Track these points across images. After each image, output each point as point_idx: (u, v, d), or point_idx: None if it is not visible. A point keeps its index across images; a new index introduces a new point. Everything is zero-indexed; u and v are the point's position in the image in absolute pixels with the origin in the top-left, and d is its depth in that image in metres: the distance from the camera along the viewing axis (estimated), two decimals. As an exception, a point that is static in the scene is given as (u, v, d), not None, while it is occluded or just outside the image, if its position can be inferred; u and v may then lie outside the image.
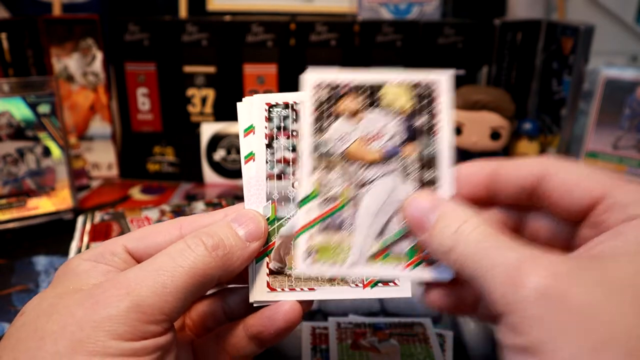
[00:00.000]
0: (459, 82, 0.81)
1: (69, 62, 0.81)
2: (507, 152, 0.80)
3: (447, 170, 0.30)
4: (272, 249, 0.31)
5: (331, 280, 0.31)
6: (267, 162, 0.32)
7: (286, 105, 0.32)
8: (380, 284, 0.31)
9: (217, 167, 0.83)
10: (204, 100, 0.84)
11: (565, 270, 0.21)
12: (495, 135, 0.74)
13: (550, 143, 0.79)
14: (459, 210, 0.27)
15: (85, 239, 0.59)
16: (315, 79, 0.31)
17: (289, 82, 0.82)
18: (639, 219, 0.23)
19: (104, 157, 0.85)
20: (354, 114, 0.31)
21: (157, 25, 0.81)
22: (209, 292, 0.35)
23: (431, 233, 0.27)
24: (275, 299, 0.31)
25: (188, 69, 0.82)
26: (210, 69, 0.82)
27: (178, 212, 0.65)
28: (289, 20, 0.81)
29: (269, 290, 0.31)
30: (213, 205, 0.67)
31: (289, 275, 0.31)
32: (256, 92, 0.83)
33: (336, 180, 0.31)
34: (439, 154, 0.30)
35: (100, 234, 0.60)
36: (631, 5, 0.91)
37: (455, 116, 0.75)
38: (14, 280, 0.56)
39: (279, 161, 0.32)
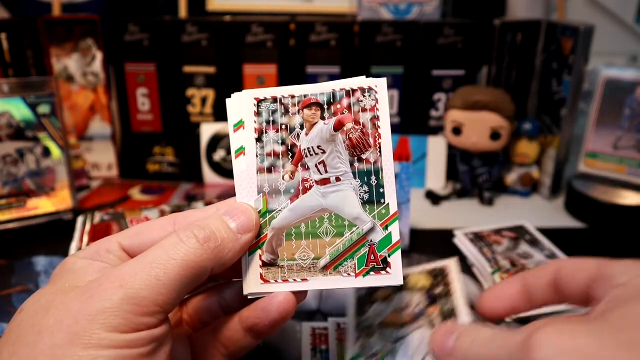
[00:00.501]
0: (459, 83, 0.81)
1: (69, 63, 0.81)
2: (507, 152, 0.80)
3: (462, 304, 0.36)
4: (265, 242, 0.32)
5: (324, 271, 0.31)
6: (257, 156, 0.32)
7: (274, 100, 0.33)
8: (372, 273, 0.31)
9: (217, 168, 0.83)
10: (204, 101, 0.84)
11: (573, 328, 0.23)
12: (495, 135, 0.74)
13: (551, 143, 0.79)
14: (474, 326, 0.29)
15: (85, 239, 0.59)
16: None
17: (289, 82, 0.82)
18: (623, 285, 0.25)
19: (103, 157, 0.85)
20: None
21: (157, 25, 0.81)
22: (205, 287, 0.36)
23: (453, 351, 0.29)
24: (268, 290, 0.31)
25: (188, 69, 0.82)
26: (210, 70, 0.82)
27: (178, 212, 0.65)
28: (289, 20, 0.81)
29: (262, 282, 0.31)
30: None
31: (282, 267, 0.31)
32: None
33: (376, 342, 0.37)
34: (457, 307, 0.37)
35: (100, 234, 0.60)
36: (631, 6, 0.91)
37: (455, 116, 0.75)
38: (14, 281, 0.56)
39: (269, 155, 0.32)
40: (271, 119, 0.33)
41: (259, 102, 0.33)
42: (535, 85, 0.83)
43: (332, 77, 0.81)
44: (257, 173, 0.32)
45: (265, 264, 0.31)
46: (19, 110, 0.65)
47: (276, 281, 0.31)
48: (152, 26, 0.81)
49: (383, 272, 0.31)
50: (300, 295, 0.31)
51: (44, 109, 0.66)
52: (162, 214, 0.64)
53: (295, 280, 0.31)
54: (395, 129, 0.84)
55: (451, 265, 0.42)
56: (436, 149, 0.82)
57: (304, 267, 0.31)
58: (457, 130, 0.76)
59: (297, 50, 0.81)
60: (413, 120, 0.84)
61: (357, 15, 0.85)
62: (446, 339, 0.29)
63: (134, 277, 0.26)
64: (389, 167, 0.32)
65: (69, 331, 0.24)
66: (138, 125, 0.85)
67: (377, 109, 0.32)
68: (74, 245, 0.58)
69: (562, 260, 0.32)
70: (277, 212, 0.32)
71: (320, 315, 0.50)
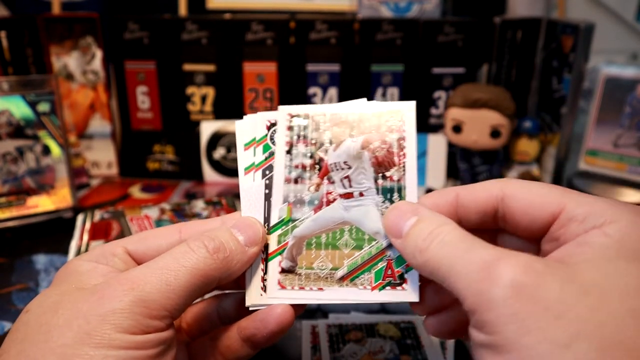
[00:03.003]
0: (459, 80, 0.81)
1: (68, 61, 0.81)
2: (507, 150, 0.80)
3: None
4: (286, 248, 0.32)
5: (340, 281, 0.31)
6: (285, 167, 0.34)
7: (306, 116, 0.35)
8: (388, 287, 0.31)
9: (217, 166, 0.83)
10: (203, 99, 0.84)
11: (539, 268, 0.22)
12: (495, 133, 0.74)
13: (551, 141, 0.79)
14: (435, 215, 0.28)
15: (85, 237, 0.59)
16: None
17: (288, 81, 0.82)
18: (596, 229, 0.24)
19: (103, 155, 0.85)
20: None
21: (157, 23, 0.81)
22: (203, 297, 0.36)
23: (406, 237, 0.28)
24: (285, 296, 0.31)
25: (188, 67, 0.82)
26: (210, 67, 0.82)
27: (178, 210, 0.65)
28: (289, 18, 0.81)
29: (280, 287, 0.32)
30: (213, 204, 0.67)
31: (299, 274, 0.32)
32: (255, 90, 0.83)
33: None
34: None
35: (100, 232, 0.60)
36: (631, 3, 0.90)
37: (455, 114, 0.75)
38: (13, 279, 0.56)
39: (296, 167, 0.34)
40: (302, 133, 0.34)
41: (292, 117, 0.35)
42: (536, 83, 0.83)
43: (332, 75, 0.81)
44: (284, 183, 0.33)
45: (284, 270, 0.32)
46: (18, 108, 0.65)
47: (293, 288, 0.32)
48: (152, 24, 0.81)
49: (399, 288, 0.31)
50: (299, 308, 0.32)
51: (43, 107, 0.66)
52: (162, 212, 0.64)
53: (311, 288, 0.32)
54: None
55: (417, 320, 0.46)
56: (436, 146, 0.82)
57: (321, 277, 0.32)
58: (457, 128, 0.76)
59: (297, 48, 0.81)
60: (413, 118, 0.84)
61: (357, 13, 0.85)
62: (402, 218, 0.28)
63: (145, 281, 0.27)
64: (411, 186, 0.32)
65: (79, 330, 0.24)
66: (138, 123, 0.85)
67: (404, 130, 0.33)
68: (73, 244, 0.58)
69: (508, 182, 0.29)
70: (299, 221, 0.33)
71: (320, 313, 0.50)
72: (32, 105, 0.65)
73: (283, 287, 0.32)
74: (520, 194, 0.28)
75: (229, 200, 0.69)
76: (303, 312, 0.50)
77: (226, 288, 0.35)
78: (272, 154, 0.34)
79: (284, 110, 0.35)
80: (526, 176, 0.79)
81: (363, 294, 0.31)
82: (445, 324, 0.31)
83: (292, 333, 0.46)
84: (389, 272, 0.31)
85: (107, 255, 0.30)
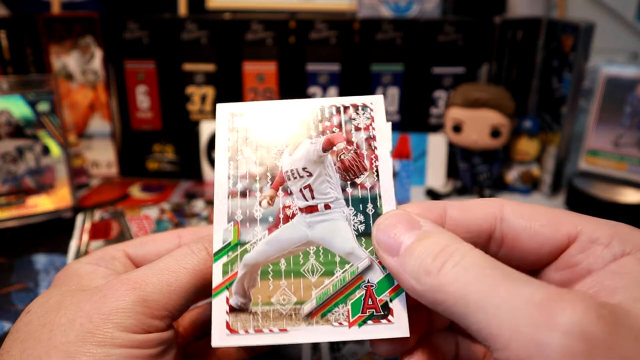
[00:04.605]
0: (459, 80, 0.81)
1: (68, 60, 0.81)
2: (507, 150, 0.80)
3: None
4: (235, 280, 0.26)
5: (308, 319, 0.25)
6: (229, 178, 0.28)
7: (253, 115, 0.29)
8: (370, 321, 0.25)
9: (216, 166, 0.82)
10: (203, 98, 0.84)
11: (605, 314, 0.18)
12: (495, 133, 0.74)
13: (551, 141, 0.79)
14: (441, 230, 0.23)
15: (85, 237, 0.59)
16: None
17: (289, 80, 0.82)
18: (629, 256, 0.21)
19: (103, 155, 0.85)
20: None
21: (157, 23, 0.81)
22: (199, 303, 0.37)
23: (407, 254, 0.23)
24: (237, 343, 0.25)
25: (187, 67, 0.82)
26: (210, 67, 0.82)
27: (178, 210, 0.65)
28: (289, 18, 0.81)
29: (229, 332, 0.25)
30: (213, 204, 0.67)
31: (255, 313, 0.26)
32: (255, 90, 0.83)
33: None
34: None
35: (99, 232, 0.60)
36: (631, 3, 0.90)
37: (455, 114, 0.75)
38: (13, 279, 0.56)
39: (243, 176, 0.28)
40: (247, 135, 0.29)
41: (234, 116, 0.29)
42: (536, 82, 0.83)
43: (332, 75, 0.81)
44: (229, 197, 0.28)
45: (233, 309, 0.26)
46: (18, 108, 0.65)
47: (246, 331, 0.25)
48: (152, 24, 0.81)
49: (383, 321, 0.25)
50: None
51: (43, 106, 0.66)
52: (162, 212, 0.64)
53: (271, 330, 0.25)
54: (395, 127, 0.84)
55: None
56: (436, 146, 0.82)
57: (283, 314, 0.25)
58: (457, 128, 0.76)
59: (297, 47, 0.81)
60: (413, 118, 0.84)
61: (357, 13, 0.85)
62: (399, 233, 0.23)
63: (147, 281, 0.27)
64: (388, 194, 0.27)
65: (82, 329, 0.25)
66: (137, 123, 0.85)
67: (373, 128, 0.28)
68: (73, 244, 0.58)
69: (508, 202, 0.25)
70: (250, 244, 0.27)
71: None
72: (32, 105, 0.65)
73: (234, 332, 0.25)
74: (526, 215, 0.24)
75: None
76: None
77: None
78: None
79: (224, 108, 0.29)
80: (526, 176, 0.79)
81: (338, 332, 0.25)
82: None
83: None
84: (370, 301, 0.25)
85: (107, 258, 0.31)
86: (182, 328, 0.36)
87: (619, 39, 0.93)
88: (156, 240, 0.33)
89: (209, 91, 0.83)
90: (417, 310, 0.27)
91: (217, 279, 0.26)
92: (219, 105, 0.30)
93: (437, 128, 0.84)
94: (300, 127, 0.29)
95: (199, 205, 0.67)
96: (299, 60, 0.81)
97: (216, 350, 0.33)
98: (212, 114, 0.84)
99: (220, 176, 0.28)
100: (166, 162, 0.85)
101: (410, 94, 0.83)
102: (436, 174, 0.83)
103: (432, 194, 0.79)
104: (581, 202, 0.72)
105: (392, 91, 0.82)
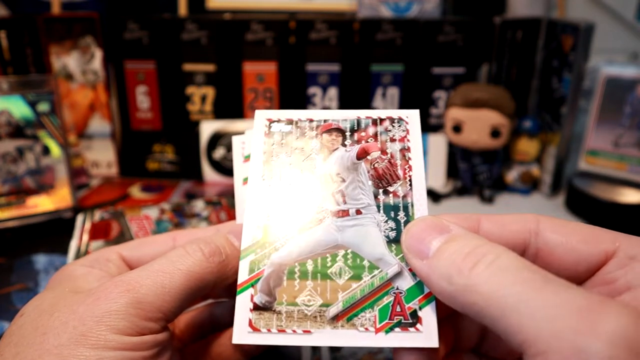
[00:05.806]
0: (459, 80, 0.81)
1: (68, 61, 0.81)
2: (507, 150, 0.80)
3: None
4: (261, 278, 0.26)
5: (333, 322, 0.25)
6: (263, 179, 0.29)
7: (289, 122, 0.30)
8: (397, 329, 0.24)
9: (217, 166, 0.83)
10: (203, 99, 0.84)
11: None
12: (495, 133, 0.74)
13: (551, 141, 0.79)
14: (472, 234, 0.23)
15: (85, 237, 0.59)
16: None
17: (288, 81, 0.82)
18: None
19: (103, 155, 0.85)
20: None
21: (157, 23, 0.81)
22: (196, 306, 0.37)
23: (436, 256, 0.22)
24: (259, 341, 0.25)
25: (187, 67, 0.82)
26: (210, 67, 0.82)
27: (178, 210, 0.65)
28: (289, 18, 0.81)
29: (251, 330, 0.25)
30: (213, 204, 0.67)
31: (279, 312, 0.25)
32: (255, 90, 0.83)
33: None
34: None
35: (99, 232, 0.60)
36: (631, 3, 0.90)
37: (455, 114, 0.75)
38: (13, 279, 0.56)
39: (277, 179, 0.29)
40: (283, 141, 0.30)
41: (271, 122, 0.30)
42: (536, 82, 0.83)
43: (332, 75, 0.81)
44: (261, 197, 0.29)
45: (257, 307, 0.26)
46: (18, 108, 0.65)
47: (269, 330, 0.25)
48: (152, 24, 0.81)
49: (412, 329, 0.24)
50: None
51: (43, 106, 0.66)
52: (162, 212, 0.64)
53: (294, 331, 0.25)
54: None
55: None
56: (436, 146, 0.82)
57: (308, 315, 0.25)
58: (457, 128, 0.76)
59: (297, 47, 0.81)
60: (413, 118, 0.84)
61: (357, 13, 0.85)
62: (428, 236, 0.23)
63: (140, 283, 0.26)
64: (421, 202, 0.27)
65: (75, 332, 0.24)
66: (138, 123, 0.85)
67: (408, 140, 0.29)
68: (73, 244, 0.58)
69: (544, 217, 0.25)
70: (279, 243, 0.27)
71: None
72: (32, 105, 0.65)
73: (256, 330, 0.25)
74: (563, 230, 0.24)
75: (229, 201, 0.69)
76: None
77: (219, 296, 0.36)
78: None
79: (262, 115, 0.30)
80: (526, 176, 0.79)
81: (364, 337, 0.24)
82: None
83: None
84: (398, 308, 0.25)
85: (102, 261, 0.30)
86: (179, 330, 0.36)
87: (619, 39, 0.93)
88: (151, 242, 0.33)
89: (209, 91, 0.83)
90: (444, 327, 0.26)
91: (242, 275, 0.27)
92: (257, 111, 0.31)
93: (437, 128, 0.84)
94: (335, 135, 0.30)
95: (199, 205, 0.67)
96: (299, 60, 0.81)
97: (214, 352, 0.33)
98: (212, 114, 0.84)
99: (254, 176, 0.29)
100: (166, 162, 0.85)
101: (410, 94, 0.83)
102: (436, 174, 0.83)
103: (432, 194, 0.79)
104: (581, 203, 0.72)
105: (392, 91, 0.82)
